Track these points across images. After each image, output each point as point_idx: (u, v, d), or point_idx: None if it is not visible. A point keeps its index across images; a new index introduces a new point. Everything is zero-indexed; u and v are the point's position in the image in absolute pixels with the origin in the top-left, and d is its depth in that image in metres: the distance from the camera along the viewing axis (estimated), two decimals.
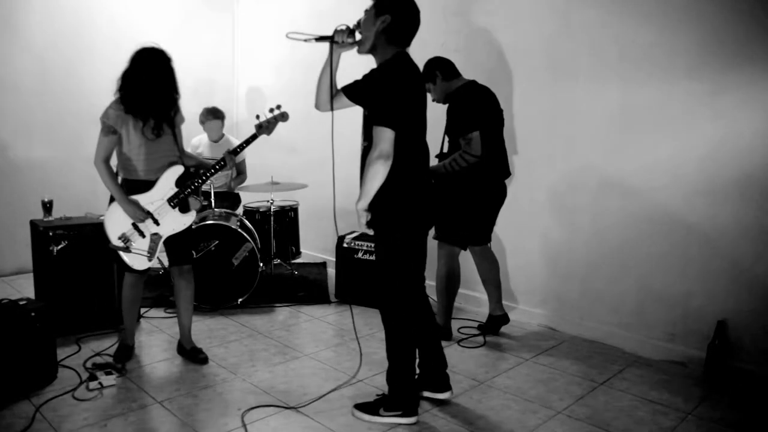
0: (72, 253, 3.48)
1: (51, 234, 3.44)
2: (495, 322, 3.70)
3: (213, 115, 4.91)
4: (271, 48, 5.63)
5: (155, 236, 3.01)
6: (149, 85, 2.89)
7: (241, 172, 5.09)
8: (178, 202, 3.02)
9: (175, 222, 3.05)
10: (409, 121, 2.43)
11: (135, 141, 2.94)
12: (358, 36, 2.52)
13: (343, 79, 2.65)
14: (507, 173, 3.51)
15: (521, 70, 3.80)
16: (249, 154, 5.12)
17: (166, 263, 3.72)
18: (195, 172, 3.11)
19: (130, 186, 3.01)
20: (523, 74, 3.79)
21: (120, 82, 2.93)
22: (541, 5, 3.65)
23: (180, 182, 3.03)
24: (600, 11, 3.41)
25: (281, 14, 5.48)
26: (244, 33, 5.92)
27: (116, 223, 2.98)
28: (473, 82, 3.42)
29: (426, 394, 2.79)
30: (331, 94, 2.64)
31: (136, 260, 3.00)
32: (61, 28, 4.97)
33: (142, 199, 2.98)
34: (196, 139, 5.06)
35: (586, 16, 3.47)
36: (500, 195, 3.50)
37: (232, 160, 3.12)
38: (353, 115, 4.62)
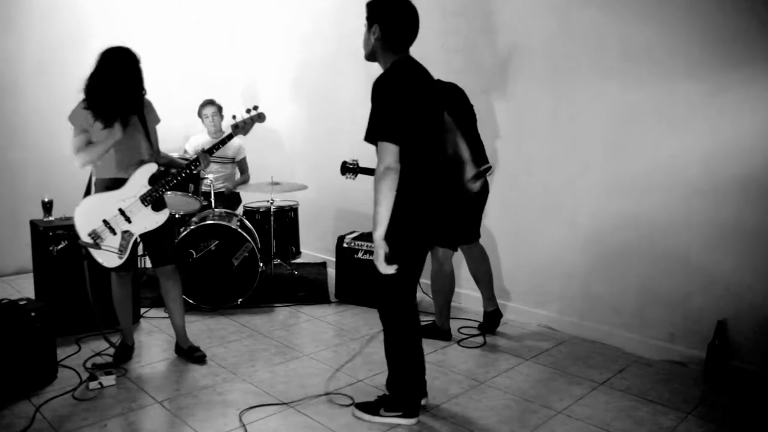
0: (72, 253, 3.47)
1: (51, 234, 3.44)
2: (489, 319, 3.70)
3: (209, 102, 4.95)
4: (272, 46, 5.63)
5: (126, 234, 2.99)
6: (109, 83, 2.87)
7: (243, 171, 5.09)
8: (151, 200, 3.01)
9: (147, 220, 3.03)
10: (413, 132, 2.37)
11: (101, 138, 2.91)
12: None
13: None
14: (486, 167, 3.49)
15: (522, 69, 3.79)
16: (249, 155, 5.14)
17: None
18: (169, 171, 3.08)
19: (102, 184, 2.99)
20: (523, 74, 3.79)
21: (88, 81, 2.91)
22: (542, 5, 3.65)
23: (153, 180, 3.01)
24: (600, 11, 3.40)
25: (282, 11, 5.47)
26: (246, 31, 5.92)
27: (87, 219, 2.96)
28: (437, 82, 3.41)
29: None
30: None
31: (107, 258, 2.99)
32: (60, 28, 4.97)
33: (114, 196, 2.96)
34: (194, 138, 5.06)
35: (586, 15, 3.46)
36: (482, 191, 3.47)
37: (206, 159, 3.12)
38: (355, 115, 4.62)
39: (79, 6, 5.08)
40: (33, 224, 3.62)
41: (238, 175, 5.10)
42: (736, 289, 3.06)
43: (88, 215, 2.96)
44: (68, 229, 3.48)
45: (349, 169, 3.81)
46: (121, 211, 2.96)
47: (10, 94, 4.80)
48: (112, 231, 2.97)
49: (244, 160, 5.08)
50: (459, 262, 3.63)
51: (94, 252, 2.97)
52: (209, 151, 3.14)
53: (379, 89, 2.37)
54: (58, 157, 4.94)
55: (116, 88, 2.88)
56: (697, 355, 3.16)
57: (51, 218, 3.62)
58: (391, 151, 2.30)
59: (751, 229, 2.99)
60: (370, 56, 2.52)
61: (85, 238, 2.95)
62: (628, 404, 2.82)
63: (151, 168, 3.01)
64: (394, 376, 2.62)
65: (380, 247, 2.34)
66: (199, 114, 4.99)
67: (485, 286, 3.70)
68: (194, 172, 3.13)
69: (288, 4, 5.39)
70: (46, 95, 4.93)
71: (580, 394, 2.91)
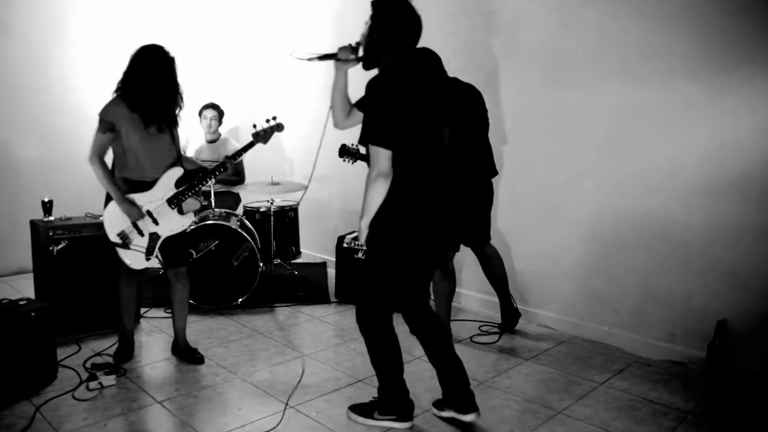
0: (72, 253, 3.48)
1: (51, 234, 3.44)
2: (505, 319, 3.71)
3: (210, 105, 4.94)
4: (273, 46, 5.63)
5: (154, 235, 3.02)
6: (153, 81, 2.88)
7: (239, 173, 5.08)
8: (177, 203, 3.03)
9: (173, 223, 3.05)
10: (407, 136, 2.32)
11: (135, 139, 2.92)
12: (361, 52, 2.45)
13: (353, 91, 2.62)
14: (492, 173, 3.48)
15: (521, 70, 3.79)
16: (249, 154, 5.12)
17: None
18: (195, 175, 3.12)
19: (129, 185, 3.00)
20: (522, 74, 3.79)
21: (123, 79, 2.92)
22: (541, 5, 3.65)
23: (180, 183, 3.04)
24: (600, 11, 3.40)
25: (289, 12, 5.47)
26: (246, 31, 5.91)
27: (115, 220, 2.98)
28: (454, 80, 3.41)
29: (448, 414, 2.59)
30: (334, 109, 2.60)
31: (134, 258, 3.00)
32: (59, 29, 4.97)
33: (142, 197, 2.99)
34: (193, 143, 5.05)
35: (585, 16, 3.46)
36: (486, 193, 3.47)
37: (231, 165, 3.17)
38: None
39: (80, 7, 5.08)
40: (33, 224, 3.62)
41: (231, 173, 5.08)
42: (736, 289, 3.06)
43: (117, 216, 2.98)
44: (68, 229, 3.49)
45: (349, 152, 3.79)
46: (149, 213, 2.99)
47: (11, 94, 4.80)
48: (140, 232, 2.99)
49: (241, 162, 5.06)
50: (458, 262, 3.62)
51: (121, 252, 3.00)
52: (233, 157, 3.20)
53: (372, 91, 2.33)
54: (58, 157, 4.95)
55: (171, 89, 2.94)
56: (697, 355, 3.16)
57: (51, 218, 3.61)
58: (383, 155, 2.26)
59: (751, 229, 2.99)
60: (369, 55, 2.43)
61: (113, 238, 2.98)
62: (628, 404, 2.82)
63: (178, 171, 3.04)
64: (382, 382, 2.59)
65: (364, 232, 2.38)
66: (200, 115, 4.98)
67: (500, 288, 3.68)
68: (219, 177, 3.18)
69: (288, 4, 5.39)
70: (46, 96, 4.93)
71: (580, 394, 2.91)
